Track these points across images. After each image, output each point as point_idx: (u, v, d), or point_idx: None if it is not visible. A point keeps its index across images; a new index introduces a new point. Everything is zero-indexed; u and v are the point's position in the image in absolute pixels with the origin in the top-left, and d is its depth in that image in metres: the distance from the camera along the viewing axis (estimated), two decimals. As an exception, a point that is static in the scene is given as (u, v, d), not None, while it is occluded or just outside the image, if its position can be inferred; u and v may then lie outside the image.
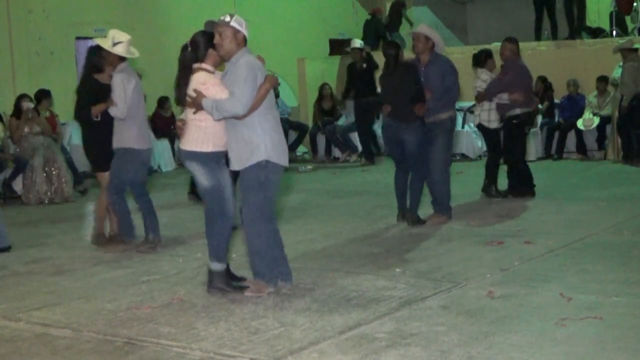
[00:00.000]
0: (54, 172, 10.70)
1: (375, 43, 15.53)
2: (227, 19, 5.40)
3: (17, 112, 10.99)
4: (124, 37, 6.99)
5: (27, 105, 10.82)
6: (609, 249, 6.55)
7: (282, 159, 5.50)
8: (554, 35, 14.97)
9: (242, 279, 5.70)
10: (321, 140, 14.85)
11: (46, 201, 10.59)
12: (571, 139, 13.43)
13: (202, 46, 5.52)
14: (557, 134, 13.48)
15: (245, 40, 5.45)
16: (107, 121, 7.04)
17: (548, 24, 15.39)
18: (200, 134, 5.51)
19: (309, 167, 13.36)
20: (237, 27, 5.38)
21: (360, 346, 4.42)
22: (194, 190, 9.09)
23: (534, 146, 13.25)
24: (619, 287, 5.40)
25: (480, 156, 13.63)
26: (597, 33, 15.19)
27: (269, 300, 5.38)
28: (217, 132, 5.50)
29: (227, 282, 5.61)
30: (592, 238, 7.03)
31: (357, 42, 13.76)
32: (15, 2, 12.68)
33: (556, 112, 13.80)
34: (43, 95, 11.37)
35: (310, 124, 15.23)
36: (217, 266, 5.61)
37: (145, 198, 7.19)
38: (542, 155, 13.54)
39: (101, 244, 7.31)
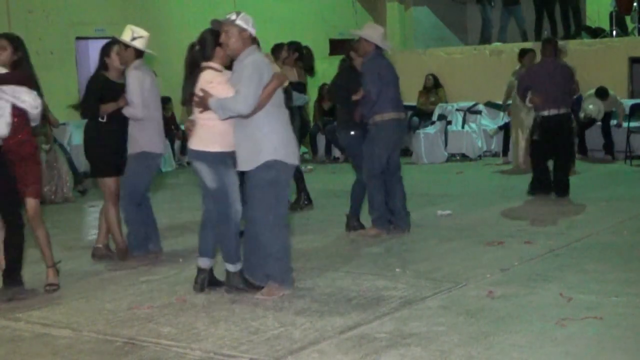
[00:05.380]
0: (54, 172, 10.69)
1: None
2: (233, 17, 5.34)
3: None
4: (143, 33, 6.61)
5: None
6: (609, 249, 6.55)
7: (292, 157, 5.46)
8: (554, 36, 14.97)
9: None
10: (321, 140, 14.84)
11: (47, 201, 10.57)
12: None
13: (210, 45, 5.47)
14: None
15: (252, 38, 5.40)
16: (113, 123, 6.60)
17: (548, 24, 15.41)
18: (207, 133, 5.46)
19: (309, 167, 13.36)
20: (243, 25, 5.32)
21: (360, 346, 4.43)
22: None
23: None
24: (619, 287, 5.40)
25: (480, 156, 13.63)
26: (597, 33, 15.19)
27: (269, 300, 5.38)
28: (225, 132, 5.44)
29: (243, 281, 5.60)
30: (592, 238, 7.03)
31: None
32: (15, 2, 12.67)
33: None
34: None
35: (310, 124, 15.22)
36: (231, 267, 5.60)
37: (147, 205, 6.82)
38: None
39: (125, 258, 6.76)
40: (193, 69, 5.53)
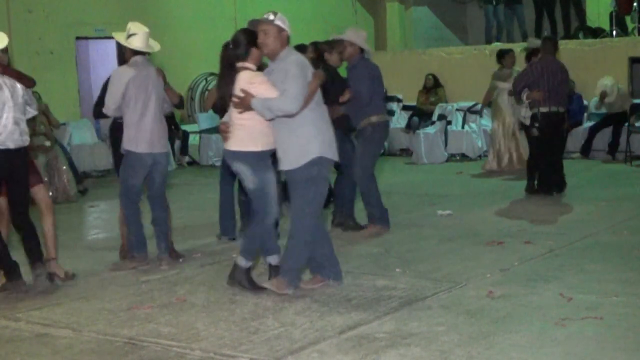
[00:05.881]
0: (55, 173, 10.69)
1: None
2: (271, 17, 5.36)
3: None
4: (139, 29, 6.39)
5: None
6: (609, 249, 6.55)
7: (333, 153, 5.51)
8: (554, 35, 14.97)
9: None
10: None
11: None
12: (571, 139, 13.37)
13: (244, 45, 5.45)
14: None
15: (288, 38, 5.42)
16: None
17: (548, 24, 15.41)
18: (247, 133, 5.43)
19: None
20: (281, 25, 5.35)
21: (360, 346, 4.43)
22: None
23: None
24: (619, 287, 5.40)
25: (480, 156, 13.62)
26: (597, 33, 15.18)
27: (269, 300, 5.38)
28: (265, 132, 5.43)
29: (248, 280, 5.60)
30: (592, 238, 7.02)
31: None
32: (15, 2, 12.67)
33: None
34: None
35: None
36: (243, 262, 5.59)
37: (161, 206, 6.70)
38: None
39: (124, 257, 6.77)
40: (229, 69, 5.47)
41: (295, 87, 5.21)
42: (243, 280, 5.61)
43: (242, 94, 5.33)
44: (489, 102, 12.20)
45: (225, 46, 5.53)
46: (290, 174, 5.44)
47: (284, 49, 5.38)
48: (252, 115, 5.36)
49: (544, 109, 9.13)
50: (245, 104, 5.33)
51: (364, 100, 7.30)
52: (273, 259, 5.68)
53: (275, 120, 5.37)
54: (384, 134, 7.62)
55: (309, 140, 5.35)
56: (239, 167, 5.50)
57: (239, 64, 5.46)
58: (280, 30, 5.35)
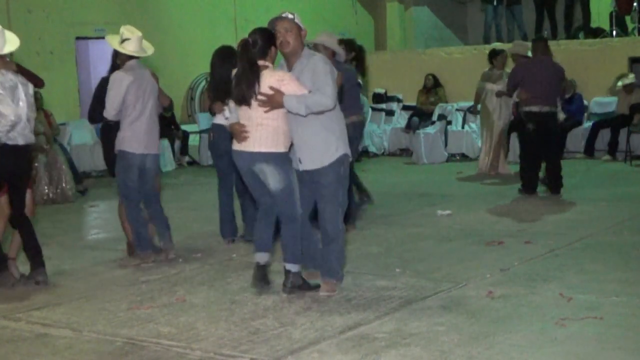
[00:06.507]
0: (54, 172, 10.69)
1: None
2: (291, 15, 5.40)
3: None
4: (132, 33, 6.50)
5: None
6: (609, 249, 6.55)
7: (350, 152, 5.56)
8: (554, 35, 14.98)
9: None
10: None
11: (47, 201, 10.57)
12: (571, 138, 13.39)
13: (264, 43, 5.41)
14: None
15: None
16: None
17: (548, 23, 15.40)
18: (271, 134, 5.34)
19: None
20: (301, 24, 5.41)
21: (360, 346, 4.43)
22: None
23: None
24: (619, 287, 5.41)
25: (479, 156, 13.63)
26: (597, 33, 15.19)
27: (269, 300, 5.39)
28: (287, 132, 5.39)
29: (303, 282, 5.53)
30: (592, 238, 7.02)
31: None
32: (15, 2, 12.67)
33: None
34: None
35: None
36: (295, 267, 5.50)
37: (155, 203, 6.82)
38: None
39: (131, 253, 6.86)
40: (250, 69, 5.34)
41: (331, 84, 5.23)
42: (297, 283, 5.50)
43: (270, 92, 5.26)
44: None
45: (245, 45, 5.41)
46: (317, 174, 5.38)
47: (304, 48, 5.43)
48: (276, 115, 5.30)
49: (528, 108, 9.18)
50: (275, 102, 5.26)
51: (345, 103, 7.35)
52: (262, 257, 5.59)
53: (298, 121, 5.31)
54: (362, 132, 7.98)
55: (335, 139, 5.36)
56: (264, 168, 5.38)
57: (261, 63, 5.37)
58: (300, 29, 5.40)
